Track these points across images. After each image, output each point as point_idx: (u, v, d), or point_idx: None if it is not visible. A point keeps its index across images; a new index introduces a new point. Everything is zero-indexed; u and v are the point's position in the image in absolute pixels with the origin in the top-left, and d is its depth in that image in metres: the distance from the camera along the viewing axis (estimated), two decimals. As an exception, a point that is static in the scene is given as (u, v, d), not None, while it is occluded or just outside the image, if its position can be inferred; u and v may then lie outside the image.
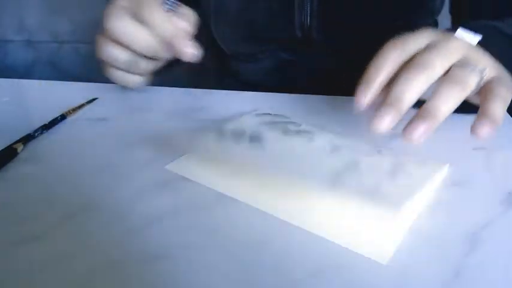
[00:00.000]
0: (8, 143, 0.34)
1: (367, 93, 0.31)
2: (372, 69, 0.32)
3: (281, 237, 0.25)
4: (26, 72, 1.21)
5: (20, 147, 0.34)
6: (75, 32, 1.15)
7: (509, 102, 0.33)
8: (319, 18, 0.54)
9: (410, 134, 0.29)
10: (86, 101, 0.44)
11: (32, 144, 0.36)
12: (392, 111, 0.29)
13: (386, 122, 0.29)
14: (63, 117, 0.40)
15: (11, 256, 0.24)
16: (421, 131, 0.29)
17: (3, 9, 1.13)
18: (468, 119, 0.43)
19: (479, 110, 0.31)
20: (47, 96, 0.46)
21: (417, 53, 0.32)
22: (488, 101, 0.31)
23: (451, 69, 0.32)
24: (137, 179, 0.31)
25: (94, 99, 0.44)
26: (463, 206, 0.28)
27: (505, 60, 0.36)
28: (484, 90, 0.32)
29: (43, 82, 0.50)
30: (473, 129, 0.30)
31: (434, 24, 0.62)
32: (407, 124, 0.29)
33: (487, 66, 0.33)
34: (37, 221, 0.26)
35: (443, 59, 0.31)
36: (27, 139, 0.35)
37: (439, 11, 0.59)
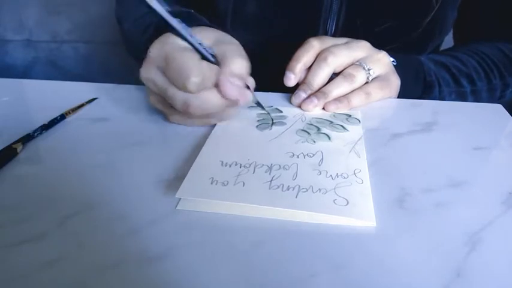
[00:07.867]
0: (8, 143, 0.34)
1: (291, 77, 0.42)
2: (293, 58, 0.42)
3: (281, 237, 0.25)
4: (25, 72, 1.21)
5: (19, 147, 0.34)
6: (75, 32, 1.15)
7: (378, 98, 0.44)
8: (344, 25, 0.53)
9: (307, 104, 0.41)
10: (85, 101, 0.44)
11: (32, 144, 0.36)
12: (306, 89, 0.42)
13: (301, 96, 0.42)
14: (62, 117, 0.40)
15: (11, 256, 0.24)
16: (314, 103, 0.41)
17: (3, 9, 1.13)
18: (468, 120, 0.43)
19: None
20: (46, 96, 0.46)
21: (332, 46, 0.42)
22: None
23: (348, 67, 0.42)
24: (137, 179, 0.31)
25: (94, 99, 0.44)
26: (463, 206, 0.28)
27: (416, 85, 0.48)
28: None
29: (43, 82, 0.50)
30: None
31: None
32: (307, 98, 0.42)
33: (376, 70, 0.43)
34: (37, 221, 0.26)
35: (348, 52, 0.42)
36: (26, 139, 0.35)
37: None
